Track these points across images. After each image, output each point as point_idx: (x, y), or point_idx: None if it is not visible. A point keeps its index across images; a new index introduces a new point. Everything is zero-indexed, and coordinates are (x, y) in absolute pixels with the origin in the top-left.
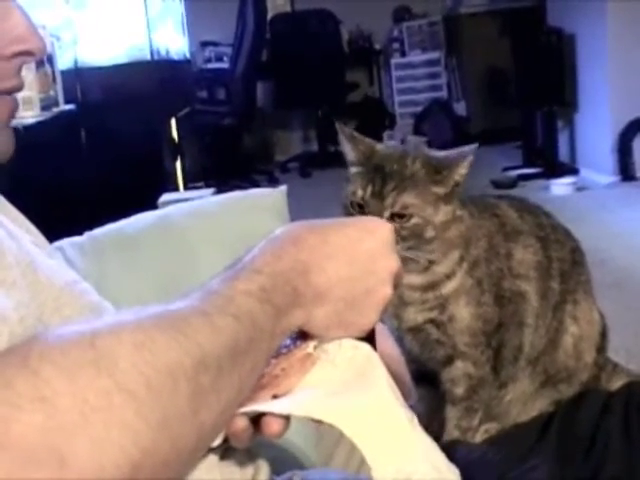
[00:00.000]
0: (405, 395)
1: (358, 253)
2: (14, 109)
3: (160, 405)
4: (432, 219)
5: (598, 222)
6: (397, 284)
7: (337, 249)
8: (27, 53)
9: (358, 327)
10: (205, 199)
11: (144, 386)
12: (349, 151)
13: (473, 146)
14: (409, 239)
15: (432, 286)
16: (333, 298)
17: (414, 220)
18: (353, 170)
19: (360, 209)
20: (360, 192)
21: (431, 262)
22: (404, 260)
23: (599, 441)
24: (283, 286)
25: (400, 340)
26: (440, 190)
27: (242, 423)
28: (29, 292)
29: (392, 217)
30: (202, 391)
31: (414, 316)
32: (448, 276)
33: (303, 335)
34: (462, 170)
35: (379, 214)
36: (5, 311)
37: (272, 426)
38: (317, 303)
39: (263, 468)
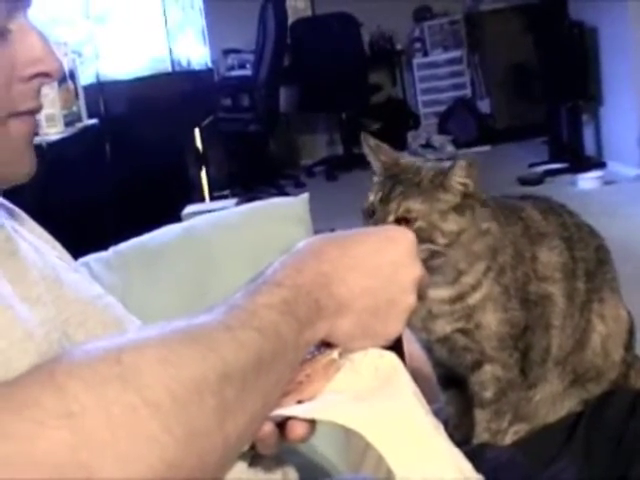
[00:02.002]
0: (430, 397)
1: (380, 263)
2: (34, 130)
3: (186, 419)
4: (439, 225)
5: (627, 215)
6: (421, 292)
7: (359, 260)
8: (44, 74)
9: (383, 337)
10: (228, 210)
11: (170, 400)
12: (372, 161)
13: (472, 157)
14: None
15: (460, 297)
16: (356, 309)
17: (418, 224)
18: (374, 179)
19: (372, 215)
20: (371, 198)
21: (459, 272)
22: (430, 271)
23: (627, 441)
24: (305, 299)
25: (429, 350)
26: (448, 198)
27: (267, 428)
28: (54, 307)
29: (398, 222)
30: (227, 404)
31: (442, 328)
32: (474, 287)
33: (328, 343)
34: (459, 178)
35: (384, 219)
36: (31, 327)
37: (296, 430)
38: (340, 315)
39: (291, 474)
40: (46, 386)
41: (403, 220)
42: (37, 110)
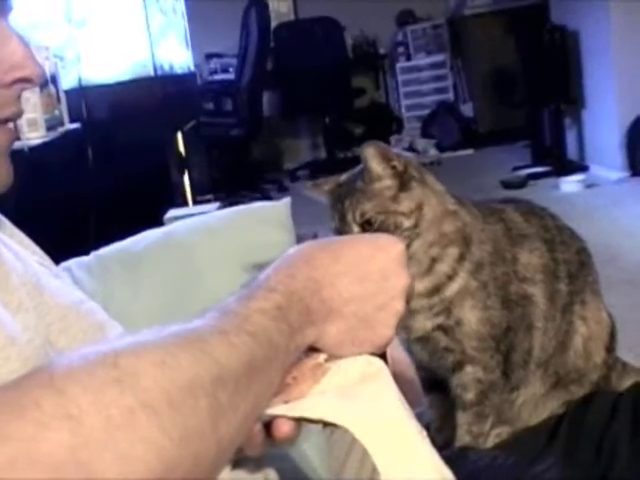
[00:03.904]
0: (415, 400)
1: (370, 270)
2: (13, 138)
3: (181, 421)
4: (396, 209)
5: (609, 218)
6: (409, 299)
7: (349, 266)
8: (25, 80)
9: (371, 343)
10: (209, 214)
11: (166, 403)
12: (319, 197)
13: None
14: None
15: (437, 289)
16: (345, 315)
17: (378, 219)
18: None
19: (340, 234)
20: (333, 224)
21: (433, 260)
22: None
23: (608, 442)
24: (297, 304)
25: (409, 351)
26: (387, 184)
27: (255, 427)
28: (36, 313)
29: (363, 228)
30: (220, 407)
31: (422, 324)
32: (450, 276)
33: (316, 348)
34: (377, 164)
35: (351, 232)
36: (13, 333)
37: (282, 428)
38: (329, 320)
39: (272, 476)
40: (45, 389)
41: (366, 224)
42: (17, 116)
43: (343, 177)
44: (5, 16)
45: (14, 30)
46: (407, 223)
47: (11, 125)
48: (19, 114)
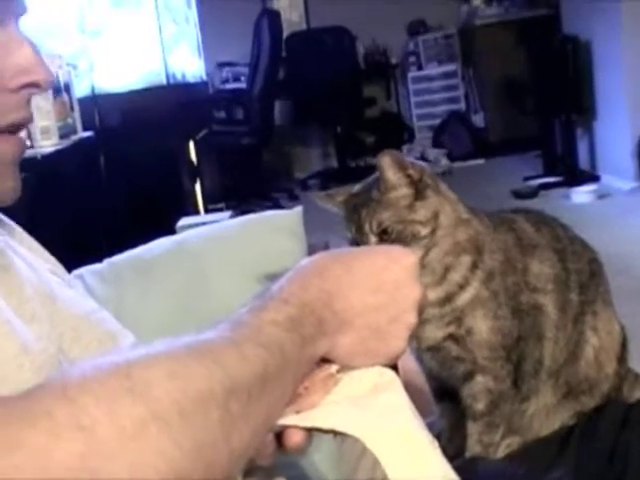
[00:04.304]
0: (425, 410)
1: (383, 282)
2: (21, 149)
3: (193, 432)
4: (412, 218)
5: (621, 228)
6: (421, 311)
7: (362, 278)
8: (33, 85)
9: (383, 355)
10: (221, 223)
11: (177, 414)
12: (333, 208)
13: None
14: (406, 246)
15: (448, 298)
16: (357, 327)
17: (395, 228)
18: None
19: (357, 245)
20: (349, 235)
21: (447, 269)
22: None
23: (618, 454)
24: (309, 316)
25: (419, 360)
26: (403, 193)
27: (266, 437)
28: (49, 323)
29: (380, 238)
30: (233, 418)
31: (433, 333)
32: (462, 286)
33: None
34: (392, 174)
35: (368, 242)
36: (26, 342)
37: (294, 438)
38: (341, 332)
39: None
40: (58, 399)
41: (383, 233)
42: (25, 122)
43: (357, 187)
44: (15, 20)
45: (24, 35)
46: (424, 232)
47: (21, 135)
48: (27, 120)
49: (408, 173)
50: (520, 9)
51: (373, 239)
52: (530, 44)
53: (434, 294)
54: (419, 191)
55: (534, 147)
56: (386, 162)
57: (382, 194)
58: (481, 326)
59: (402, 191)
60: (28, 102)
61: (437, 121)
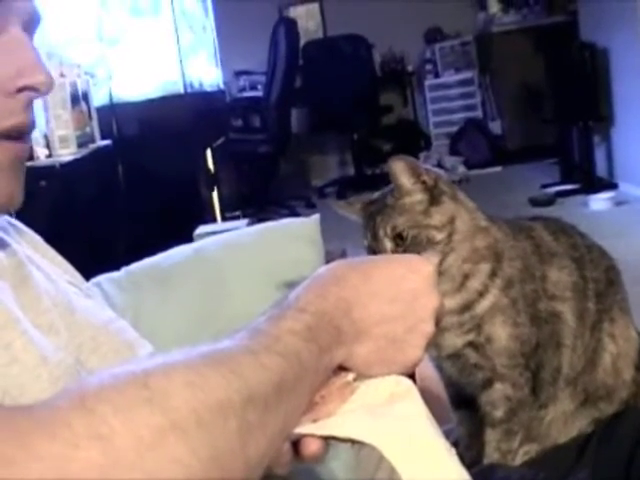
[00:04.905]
0: (442, 417)
1: (400, 291)
2: (23, 156)
3: (210, 441)
4: (428, 223)
5: (638, 236)
6: (439, 320)
7: (379, 287)
8: (32, 88)
9: (400, 364)
10: (239, 230)
11: (195, 423)
12: (352, 216)
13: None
14: (422, 251)
15: (467, 306)
16: (374, 336)
17: (410, 233)
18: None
19: (374, 253)
20: (365, 242)
21: (465, 276)
22: (439, 277)
23: (637, 460)
24: (327, 325)
25: (439, 368)
26: (417, 198)
27: (283, 446)
28: (67, 333)
29: (396, 243)
30: (250, 427)
31: (453, 342)
32: (481, 293)
33: (344, 367)
34: (406, 179)
35: (384, 248)
36: (44, 353)
37: (310, 447)
38: (358, 341)
39: None
40: (76, 409)
41: (398, 238)
42: (24, 127)
43: (375, 195)
44: (18, 23)
45: (26, 37)
46: (439, 236)
47: (24, 140)
48: (26, 125)
49: (422, 179)
50: (537, 16)
51: (388, 244)
52: (547, 51)
53: (453, 302)
54: (434, 197)
55: (551, 154)
56: (399, 168)
57: (396, 200)
58: (500, 333)
59: (417, 197)
60: (28, 106)
61: (454, 129)
